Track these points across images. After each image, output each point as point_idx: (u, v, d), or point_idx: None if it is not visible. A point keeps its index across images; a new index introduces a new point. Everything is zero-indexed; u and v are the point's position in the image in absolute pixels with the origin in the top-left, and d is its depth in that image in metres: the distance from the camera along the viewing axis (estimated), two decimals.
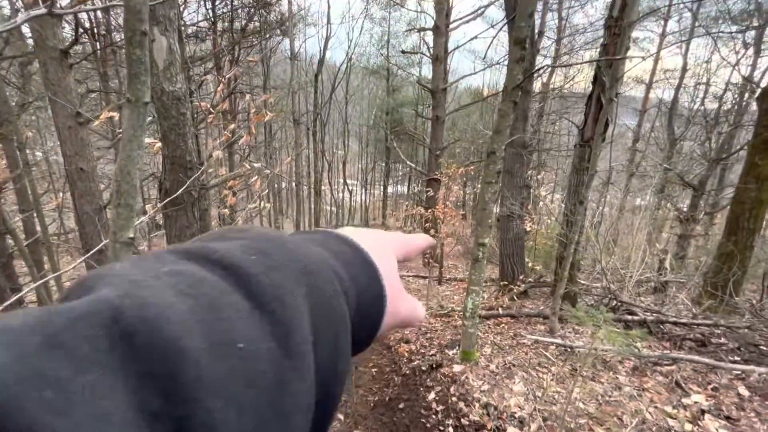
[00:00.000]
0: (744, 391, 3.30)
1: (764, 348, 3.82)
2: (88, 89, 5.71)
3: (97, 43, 6.33)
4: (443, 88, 9.64)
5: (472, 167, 9.23)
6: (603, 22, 4.95)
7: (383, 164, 24.87)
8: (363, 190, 26.51)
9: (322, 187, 15.15)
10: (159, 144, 2.82)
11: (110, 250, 1.04)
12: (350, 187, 19.42)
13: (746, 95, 7.83)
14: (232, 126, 3.29)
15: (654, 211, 9.79)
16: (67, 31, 5.92)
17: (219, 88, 2.84)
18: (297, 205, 15.49)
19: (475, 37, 10.40)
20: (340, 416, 3.07)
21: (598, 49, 5.11)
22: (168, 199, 2.54)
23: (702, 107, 8.77)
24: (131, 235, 1.06)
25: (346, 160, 19.94)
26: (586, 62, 4.00)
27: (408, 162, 11.12)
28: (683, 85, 11.82)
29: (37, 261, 7.86)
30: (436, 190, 10.08)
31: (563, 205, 5.55)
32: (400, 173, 28.74)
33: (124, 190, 1.02)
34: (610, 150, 11.55)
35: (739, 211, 5.08)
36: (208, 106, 2.93)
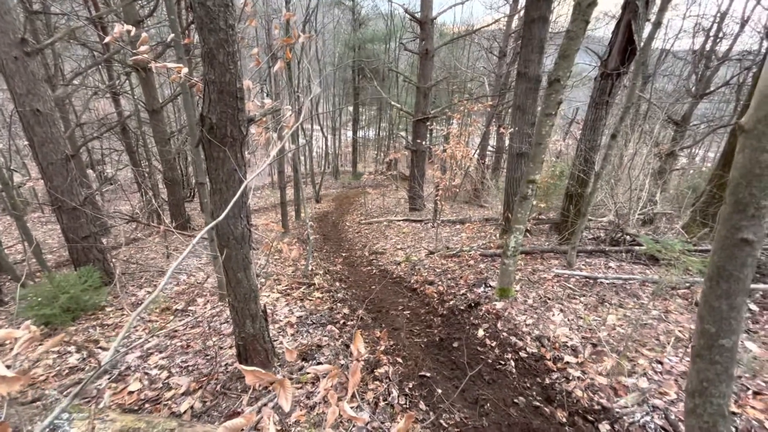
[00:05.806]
0: (754, 307, 3.65)
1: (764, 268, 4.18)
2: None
3: None
4: (433, 17, 8.91)
5: (491, 103, 8.90)
6: None
7: (350, 108, 23.50)
8: (331, 137, 25.34)
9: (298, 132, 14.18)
10: (185, 70, 2.30)
11: None
12: (325, 133, 18.42)
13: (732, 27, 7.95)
14: (256, 50, 2.76)
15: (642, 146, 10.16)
16: None
17: (244, 2, 2.32)
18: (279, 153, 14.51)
19: None
20: (399, 359, 3.04)
21: None
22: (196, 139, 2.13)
23: (691, 45, 8.81)
24: None
25: (319, 102, 18.67)
26: None
27: (393, 102, 10.52)
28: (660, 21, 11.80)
29: None
30: (425, 131, 9.75)
31: (578, 142, 5.50)
32: (365, 117, 27.50)
33: None
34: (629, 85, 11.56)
35: (737, 142, 5.29)
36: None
